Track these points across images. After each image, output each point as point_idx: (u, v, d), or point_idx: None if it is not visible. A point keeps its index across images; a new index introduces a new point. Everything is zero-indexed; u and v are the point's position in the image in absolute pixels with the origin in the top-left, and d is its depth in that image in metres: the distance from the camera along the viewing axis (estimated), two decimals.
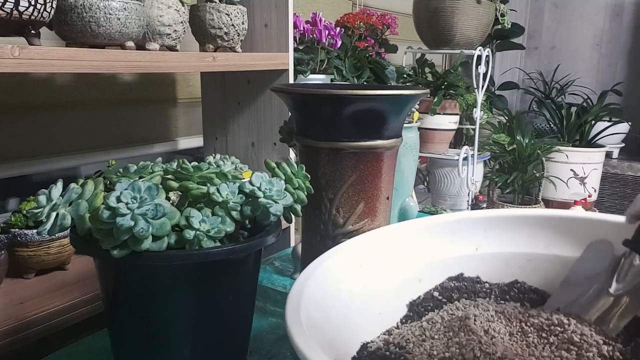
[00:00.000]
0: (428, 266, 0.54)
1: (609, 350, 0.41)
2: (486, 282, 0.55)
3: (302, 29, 1.48)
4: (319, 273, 0.44)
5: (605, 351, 0.41)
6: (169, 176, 0.50)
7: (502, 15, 2.17)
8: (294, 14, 1.34)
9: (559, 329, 0.44)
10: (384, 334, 0.48)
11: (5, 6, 0.71)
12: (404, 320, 0.51)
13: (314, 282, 0.42)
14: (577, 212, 0.54)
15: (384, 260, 0.51)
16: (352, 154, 0.56)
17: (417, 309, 0.52)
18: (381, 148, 0.57)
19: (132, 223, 0.41)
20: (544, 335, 0.44)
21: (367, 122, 0.56)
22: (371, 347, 0.45)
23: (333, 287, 0.45)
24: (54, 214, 0.44)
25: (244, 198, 0.48)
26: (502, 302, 0.53)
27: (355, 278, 0.48)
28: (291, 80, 1.26)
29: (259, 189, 0.49)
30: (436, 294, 0.53)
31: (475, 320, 0.45)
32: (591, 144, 2.50)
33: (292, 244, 1.33)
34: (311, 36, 1.48)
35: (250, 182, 0.49)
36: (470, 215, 0.56)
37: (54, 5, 0.79)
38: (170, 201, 0.47)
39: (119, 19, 0.86)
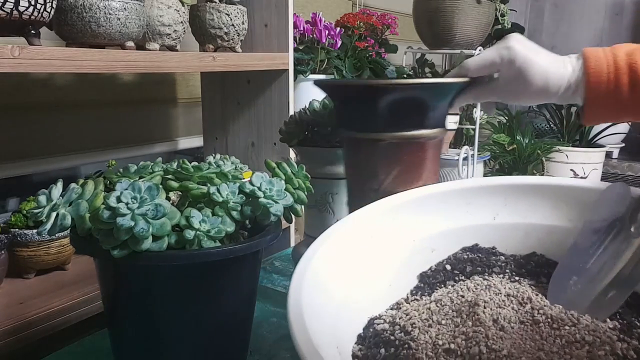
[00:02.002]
0: (442, 235, 0.51)
1: (623, 348, 0.40)
2: (502, 254, 0.53)
3: (302, 29, 1.47)
4: (324, 249, 0.42)
5: (619, 349, 0.39)
6: (169, 176, 0.50)
7: (502, 15, 2.17)
8: (294, 14, 1.34)
9: (570, 323, 0.42)
10: (393, 308, 0.47)
11: (5, 6, 0.71)
12: (414, 292, 0.49)
13: (320, 259, 0.41)
14: (603, 184, 0.52)
15: (395, 230, 0.49)
16: (396, 144, 0.56)
17: (429, 280, 0.50)
18: (424, 138, 0.57)
19: (132, 223, 0.41)
20: (555, 326, 0.42)
21: (410, 113, 0.56)
22: (378, 324, 0.44)
23: (338, 261, 0.43)
24: (54, 214, 0.44)
25: (244, 198, 0.48)
26: (517, 277, 0.51)
27: (363, 249, 0.46)
28: (291, 80, 1.26)
29: (259, 189, 0.49)
30: (448, 266, 0.51)
31: (484, 307, 0.44)
32: (591, 144, 2.50)
33: (292, 244, 1.33)
34: (311, 36, 1.48)
35: (251, 182, 0.49)
36: (490, 183, 0.53)
37: (54, 5, 0.79)
38: (171, 201, 0.47)
39: (119, 19, 0.86)
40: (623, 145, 2.82)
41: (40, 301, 0.85)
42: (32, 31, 0.77)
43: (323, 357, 0.30)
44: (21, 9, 0.73)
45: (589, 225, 0.49)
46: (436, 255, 0.52)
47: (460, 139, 2.48)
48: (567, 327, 0.42)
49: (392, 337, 0.42)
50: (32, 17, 0.75)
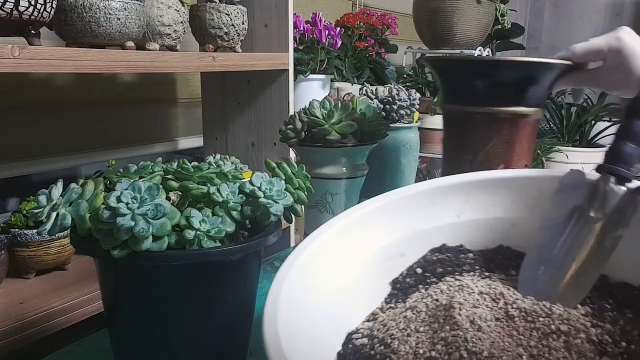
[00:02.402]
0: (410, 238, 0.52)
1: (597, 334, 0.40)
2: (470, 251, 0.53)
3: (302, 29, 1.47)
4: (297, 265, 0.42)
5: (593, 335, 0.40)
6: (169, 176, 0.50)
7: (502, 15, 2.17)
8: (294, 14, 1.34)
9: (544, 314, 0.43)
10: (369, 320, 0.47)
11: (5, 6, 0.71)
12: (388, 300, 0.49)
13: (291, 281, 0.40)
14: (560, 171, 0.53)
15: (365, 238, 0.49)
16: (494, 118, 0.60)
17: (401, 286, 0.50)
18: (522, 115, 0.60)
19: (132, 223, 0.41)
20: (529, 319, 0.43)
21: (511, 89, 0.59)
22: (356, 338, 0.44)
23: (313, 278, 0.43)
24: (54, 214, 0.44)
25: (244, 198, 0.48)
26: (487, 273, 0.51)
27: (337, 262, 0.46)
28: (291, 80, 1.26)
29: (259, 189, 0.49)
30: (419, 270, 0.51)
31: (460, 309, 0.44)
32: (591, 144, 2.50)
33: (292, 244, 1.33)
34: (311, 36, 1.48)
35: (251, 182, 0.49)
36: (450, 181, 0.54)
37: (54, 5, 0.79)
38: (171, 201, 0.47)
39: (119, 18, 0.86)
40: None
41: (40, 301, 0.85)
42: (32, 31, 0.77)
43: None
44: (21, 8, 0.73)
45: (550, 213, 0.50)
46: (406, 260, 0.52)
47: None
48: (541, 319, 0.42)
49: (372, 352, 0.42)
50: (32, 17, 0.75)
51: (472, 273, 0.51)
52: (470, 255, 0.53)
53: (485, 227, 0.54)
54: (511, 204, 0.53)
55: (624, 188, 0.47)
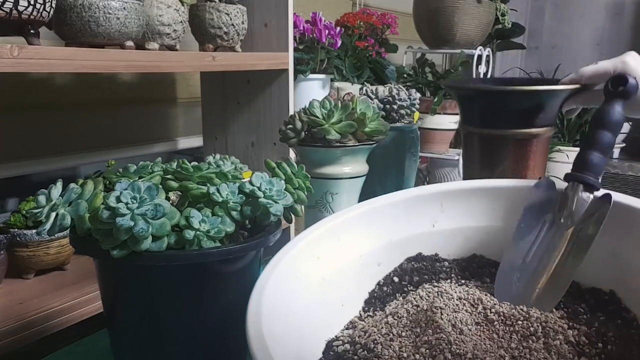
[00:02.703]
0: (386, 248, 0.52)
1: (574, 335, 0.41)
2: (445, 259, 0.54)
3: (302, 28, 1.47)
4: (274, 278, 0.42)
5: (571, 336, 0.41)
6: (169, 176, 0.50)
7: (503, 14, 2.17)
8: (294, 13, 1.34)
9: (522, 317, 0.44)
10: (348, 328, 0.47)
11: (5, 6, 0.71)
12: (366, 309, 0.50)
13: (271, 290, 0.41)
14: (531, 181, 0.54)
15: (341, 248, 0.50)
16: (509, 140, 0.66)
17: (378, 294, 0.51)
18: (535, 135, 0.66)
19: (132, 223, 0.41)
20: (508, 322, 0.44)
21: (524, 113, 0.65)
22: (337, 345, 0.44)
23: (291, 289, 0.44)
24: (53, 214, 0.44)
25: (244, 198, 0.48)
26: (463, 280, 0.52)
27: (313, 273, 0.47)
28: (291, 80, 1.26)
29: (259, 189, 0.48)
30: (396, 278, 0.52)
31: (441, 313, 0.44)
32: None
33: None
34: (311, 36, 1.48)
35: (250, 182, 0.49)
36: (425, 191, 0.55)
37: (53, 5, 0.79)
38: (170, 201, 0.47)
39: (119, 18, 0.86)
40: (623, 145, 2.82)
41: (40, 301, 0.85)
42: (32, 31, 0.77)
43: None
44: (20, 8, 0.73)
45: (522, 221, 0.52)
46: (383, 269, 0.53)
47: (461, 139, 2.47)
48: (520, 322, 0.43)
49: (355, 357, 0.42)
50: (32, 17, 0.75)
51: (448, 281, 0.53)
52: (446, 263, 0.54)
53: (460, 236, 0.55)
54: (484, 213, 0.55)
55: (592, 196, 0.50)
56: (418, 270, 0.53)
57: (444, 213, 0.54)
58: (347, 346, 0.43)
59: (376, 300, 0.51)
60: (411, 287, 0.52)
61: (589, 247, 0.46)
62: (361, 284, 0.51)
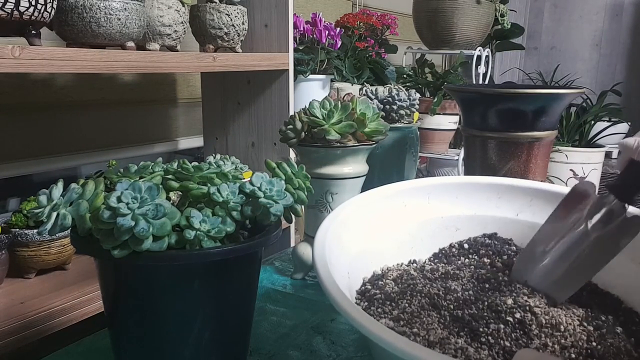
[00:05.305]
0: (468, 219, 0.59)
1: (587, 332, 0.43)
2: (516, 245, 0.58)
3: (302, 29, 1.48)
4: (354, 209, 0.51)
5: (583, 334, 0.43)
6: (170, 176, 0.50)
7: (502, 15, 2.17)
8: (294, 14, 1.34)
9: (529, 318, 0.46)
10: (410, 264, 0.56)
11: (6, 6, 0.71)
12: (431, 258, 0.57)
13: (353, 211, 0.50)
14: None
15: (429, 205, 0.57)
16: (512, 142, 0.68)
17: (446, 252, 0.58)
18: (538, 138, 0.67)
19: (133, 223, 0.41)
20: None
21: (527, 117, 0.66)
22: (387, 271, 0.52)
23: (373, 217, 0.52)
24: (54, 214, 0.44)
25: (244, 198, 0.48)
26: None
27: (398, 217, 0.55)
28: (291, 81, 1.26)
29: (260, 189, 0.49)
30: (466, 245, 0.59)
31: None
32: (591, 144, 2.50)
33: (292, 244, 1.33)
34: (311, 36, 1.48)
35: (251, 182, 0.49)
36: (519, 184, 0.60)
37: (55, 6, 0.79)
38: (171, 201, 0.47)
39: (119, 19, 0.86)
40: None
41: (41, 301, 0.85)
42: (33, 31, 0.77)
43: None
44: (22, 9, 0.73)
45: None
46: (459, 234, 0.60)
47: (460, 139, 2.48)
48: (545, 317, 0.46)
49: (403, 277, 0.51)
50: (33, 18, 0.75)
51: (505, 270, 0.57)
52: (514, 248, 0.58)
53: (537, 229, 0.58)
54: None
55: (627, 210, 0.49)
56: (487, 246, 0.58)
57: (531, 207, 0.59)
58: (392, 281, 0.51)
59: (442, 256, 0.58)
60: (476, 257, 0.57)
61: (611, 258, 0.48)
62: (435, 239, 0.59)
